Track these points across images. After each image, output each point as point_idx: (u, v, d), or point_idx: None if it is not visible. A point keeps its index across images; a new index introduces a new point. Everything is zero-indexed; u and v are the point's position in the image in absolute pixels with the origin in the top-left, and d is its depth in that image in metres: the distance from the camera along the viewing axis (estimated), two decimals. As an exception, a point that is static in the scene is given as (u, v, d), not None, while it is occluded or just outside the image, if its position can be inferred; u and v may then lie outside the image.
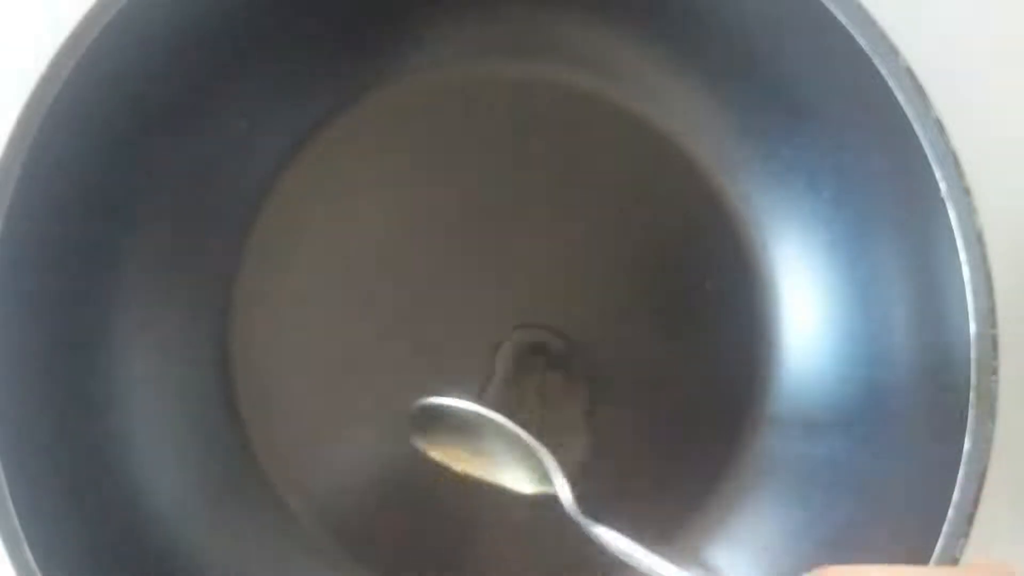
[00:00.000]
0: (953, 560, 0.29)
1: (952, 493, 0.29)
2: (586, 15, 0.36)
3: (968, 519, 0.29)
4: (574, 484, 0.34)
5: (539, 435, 0.34)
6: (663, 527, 0.36)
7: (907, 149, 0.30)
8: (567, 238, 0.37)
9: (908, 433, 0.32)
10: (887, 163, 0.32)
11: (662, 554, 0.32)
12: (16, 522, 0.29)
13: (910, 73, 0.30)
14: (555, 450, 0.34)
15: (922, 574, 0.28)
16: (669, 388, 0.36)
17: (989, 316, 0.29)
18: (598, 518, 0.33)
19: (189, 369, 0.36)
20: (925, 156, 0.29)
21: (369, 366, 0.37)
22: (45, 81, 0.30)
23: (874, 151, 0.32)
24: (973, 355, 0.29)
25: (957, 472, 0.29)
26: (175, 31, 0.32)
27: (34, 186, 0.30)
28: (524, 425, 0.34)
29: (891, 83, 0.29)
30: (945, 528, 0.29)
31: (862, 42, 0.30)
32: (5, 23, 0.38)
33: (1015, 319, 0.31)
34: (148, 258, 0.35)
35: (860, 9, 0.30)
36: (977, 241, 0.29)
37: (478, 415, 0.34)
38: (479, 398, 0.36)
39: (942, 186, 0.29)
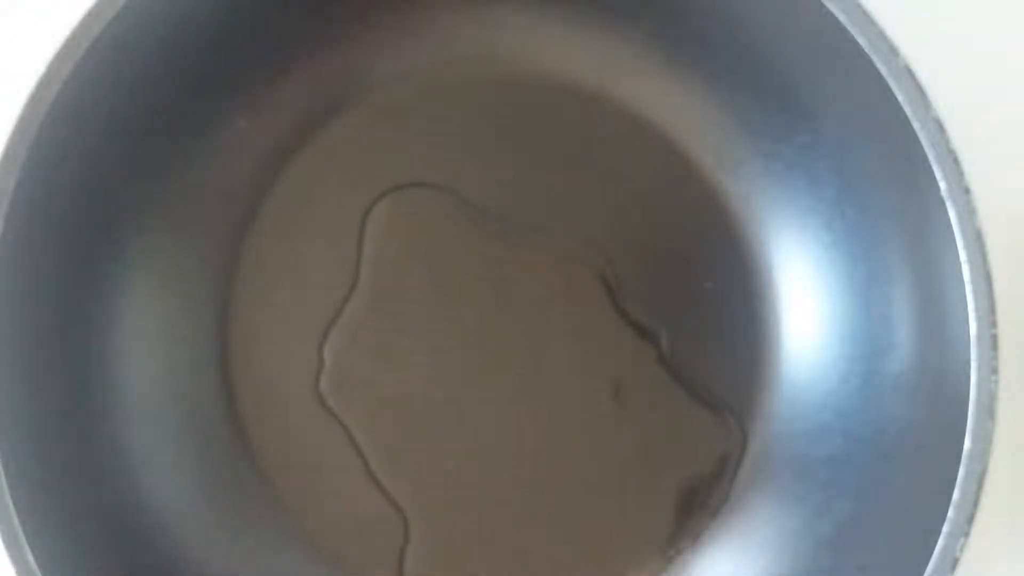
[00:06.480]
0: (953, 560, 0.29)
1: (952, 493, 0.29)
2: (587, 16, 0.36)
3: (968, 519, 0.29)
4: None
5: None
6: (662, 526, 0.36)
7: (907, 149, 0.30)
8: (568, 237, 0.37)
9: (908, 433, 0.32)
10: (887, 163, 0.32)
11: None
12: (16, 522, 0.29)
13: (910, 73, 0.29)
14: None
15: None
16: (667, 387, 0.36)
17: (989, 316, 0.29)
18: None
19: (188, 370, 0.36)
20: (925, 156, 0.29)
21: (369, 366, 0.37)
22: (45, 81, 0.30)
23: (874, 151, 0.32)
24: (973, 355, 0.29)
25: (957, 472, 0.29)
26: (175, 30, 0.32)
27: (34, 186, 0.30)
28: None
29: (891, 83, 0.29)
30: (945, 528, 0.29)
31: (862, 42, 0.30)
32: (5, 23, 0.38)
33: (1015, 319, 0.31)
34: (148, 258, 0.35)
35: (860, 9, 0.30)
36: (977, 241, 0.29)
37: None
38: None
39: (942, 186, 0.29)
